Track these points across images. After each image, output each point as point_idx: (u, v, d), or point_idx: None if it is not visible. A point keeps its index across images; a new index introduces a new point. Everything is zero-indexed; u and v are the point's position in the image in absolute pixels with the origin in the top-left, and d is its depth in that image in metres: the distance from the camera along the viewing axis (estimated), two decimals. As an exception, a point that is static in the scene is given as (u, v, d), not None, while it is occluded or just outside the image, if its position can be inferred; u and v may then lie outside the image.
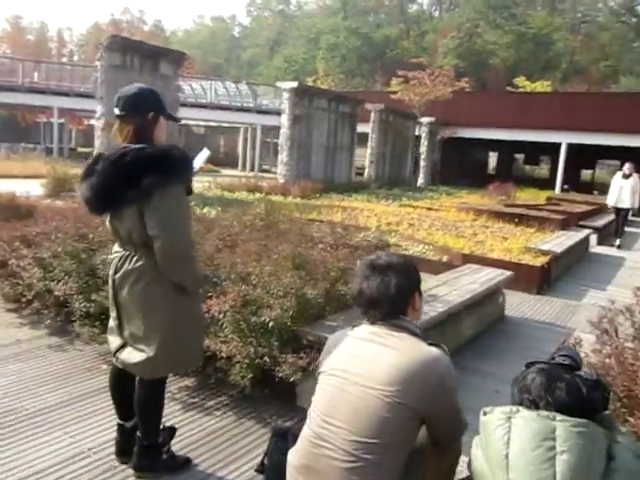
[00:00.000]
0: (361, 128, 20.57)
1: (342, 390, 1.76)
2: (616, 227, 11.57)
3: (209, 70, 57.62)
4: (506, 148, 28.18)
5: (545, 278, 7.20)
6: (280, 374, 2.99)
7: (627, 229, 11.71)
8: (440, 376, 1.73)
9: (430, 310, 3.97)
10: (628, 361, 2.73)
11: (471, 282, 5.15)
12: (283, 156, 16.93)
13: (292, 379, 2.97)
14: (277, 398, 3.29)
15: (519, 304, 6.30)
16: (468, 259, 6.87)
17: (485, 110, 25.02)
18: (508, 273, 5.73)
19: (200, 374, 3.43)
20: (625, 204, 11.16)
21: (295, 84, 16.93)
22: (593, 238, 10.89)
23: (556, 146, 24.15)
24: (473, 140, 26.08)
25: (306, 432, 1.82)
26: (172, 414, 3.07)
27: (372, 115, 20.75)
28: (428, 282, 4.83)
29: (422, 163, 24.66)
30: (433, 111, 24.23)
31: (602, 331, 3.03)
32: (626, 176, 11.12)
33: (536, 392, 1.52)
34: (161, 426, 2.56)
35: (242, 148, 32.85)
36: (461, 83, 25.88)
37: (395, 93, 25.34)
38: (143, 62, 11.66)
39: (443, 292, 4.65)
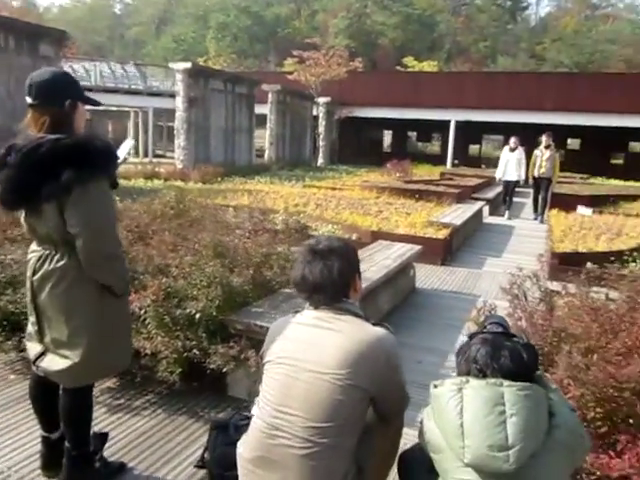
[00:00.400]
0: (259, 109, 20.37)
1: (292, 378, 1.75)
2: (504, 198, 12.33)
3: (91, 50, 53.96)
4: (399, 126, 29.14)
5: (448, 249, 7.60)
6: (212, 366, 2.91)
7: (515, 199, 12.55)
8: (387, 355, 1.77)
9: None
10: (538, 322, 2.97)
11: (384, 258, 5.31)
12: (180, 140, 16.36)
13: (225, 369, 2.92)
14: (207, 390, 3.23)
15: (427, 276, 6.60)
16: (377, 236, 7.07)
17: (378, 90, 25.66)
18: (417, 247, 5.96)
19: (123, 374, 3.26)
20: (512, 177, 11.76)
21: (188, 65, 16.33)
22: (485, 209, 11.60)
23: (446, 123, 25.38)
24: (368, 119, 26.73)
25: (258, 423, 1.80)
26: (97, 418, 2.90)
27: (269, 96, 20.57)
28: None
29: (321, 143, 24.95)
30: (329, 91, 24.47)
31: (513, 296, 3.26)
32: (512, 149, 11.76)
33: (482, 361, 1.60)
34: (91, 432, 2.42)
35: (133, 133, 31.25)
36: (355, 63, 26.28)
37: (291, 73, 25.27)
38: (19, 42, 10.70)
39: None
